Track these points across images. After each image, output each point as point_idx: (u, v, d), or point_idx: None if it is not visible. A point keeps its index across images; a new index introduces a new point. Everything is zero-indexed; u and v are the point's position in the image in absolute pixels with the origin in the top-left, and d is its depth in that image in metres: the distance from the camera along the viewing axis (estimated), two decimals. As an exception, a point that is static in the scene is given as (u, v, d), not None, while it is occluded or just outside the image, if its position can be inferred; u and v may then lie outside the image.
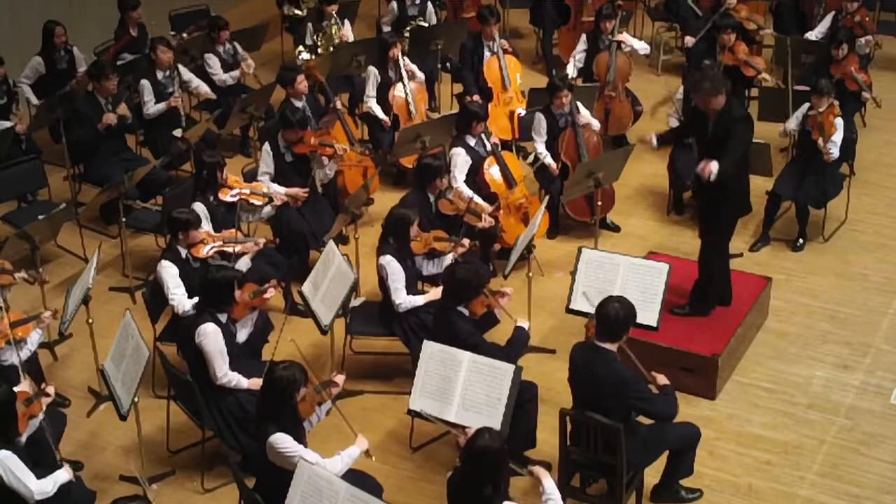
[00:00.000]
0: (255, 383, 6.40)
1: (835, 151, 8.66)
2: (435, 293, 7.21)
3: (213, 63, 10.38)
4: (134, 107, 9.66)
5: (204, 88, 10.16)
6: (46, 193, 9.51)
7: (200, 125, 9.64)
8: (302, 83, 9.26)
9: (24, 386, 6.22)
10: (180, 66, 9.97)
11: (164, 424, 6.97)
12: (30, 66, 10.04)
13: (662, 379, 6.13)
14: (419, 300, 7.27)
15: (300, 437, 5.80)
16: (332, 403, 6.02)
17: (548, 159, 8.98)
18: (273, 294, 7.04)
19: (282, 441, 5.66)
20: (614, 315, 5.88)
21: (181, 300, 7.12)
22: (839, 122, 8.69)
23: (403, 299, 7.24)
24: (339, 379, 6.16)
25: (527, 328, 6.73)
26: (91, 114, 9.16)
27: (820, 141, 8.63)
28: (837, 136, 8.67)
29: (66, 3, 11.04)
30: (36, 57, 10.05)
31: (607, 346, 5.93)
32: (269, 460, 5.73)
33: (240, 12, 12.51)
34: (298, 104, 9.22)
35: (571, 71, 10.50)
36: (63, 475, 5.83)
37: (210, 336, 6.47)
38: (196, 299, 6.95)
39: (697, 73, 8.17)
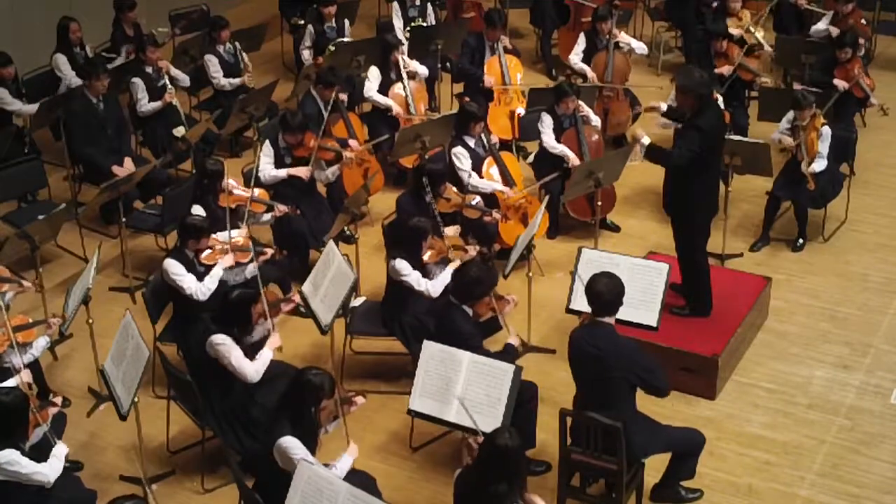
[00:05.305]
0: (274, 343, 6.58)
1: (818, 166, 8.60)
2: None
3: (213, 64, 10.38)
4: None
5: (185, 82, 10.22)
6: (46, 193, 9.51)
7: (200, 125, 9.64)
8: (336, 89, 9.29)
9: (23, 377, 6.26)
10: (168, 64, 10.00)
11: (164, 424, 6.97)
12: (59, 65, 10.06)
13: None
14: (445, 278, 7.20)
15: (312, 445, 5.77)
16: (342, 419, 5.99)
17: (562, 149, 8.97)
18: (289, 309, 7.03)
19: (291, 447, 5.63)
20: (605, 290, 5.99)
21: (196, 287, 7.14)
22: (825, 130, 8.63)
23: (424, 283, 7.23)
24: (359, 400, 6.14)
25: (516, 344, 6.69)
26: (83, 112, 9.14)
27: (804, 165, 8.58)
28: (823, 147, 8.62)
29: (66, 4, 11.03)
30: (60, 55, 10.07)
31: (605, 319, 6.03)
32: (272, 459, 5.70)
33: (240, 12, 12.53)
34: (320, 103, 9.26)
35: (577, 62, 10.52)
36: (61, 448, 5.88)
37: (223, 346, 6.45)
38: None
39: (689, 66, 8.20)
